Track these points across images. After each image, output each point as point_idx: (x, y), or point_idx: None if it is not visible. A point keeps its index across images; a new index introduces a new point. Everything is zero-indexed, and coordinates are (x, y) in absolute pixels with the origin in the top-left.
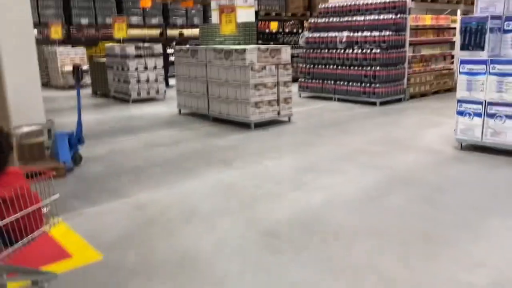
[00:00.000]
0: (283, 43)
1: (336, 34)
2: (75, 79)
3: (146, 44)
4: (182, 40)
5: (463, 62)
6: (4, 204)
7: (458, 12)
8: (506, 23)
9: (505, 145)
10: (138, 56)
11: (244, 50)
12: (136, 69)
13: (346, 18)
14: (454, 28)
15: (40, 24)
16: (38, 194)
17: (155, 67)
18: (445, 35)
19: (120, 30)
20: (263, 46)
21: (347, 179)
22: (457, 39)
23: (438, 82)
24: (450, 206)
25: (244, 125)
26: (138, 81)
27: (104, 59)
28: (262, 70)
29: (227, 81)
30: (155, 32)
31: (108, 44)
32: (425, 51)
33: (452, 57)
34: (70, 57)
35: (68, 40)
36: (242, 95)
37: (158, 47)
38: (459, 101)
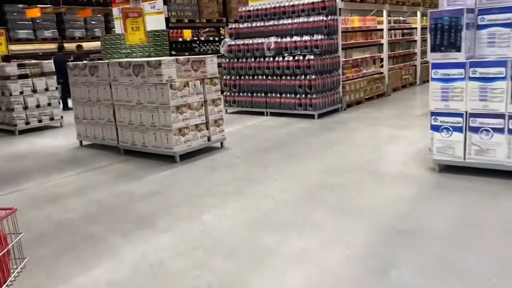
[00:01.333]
0: (199, 53)
1: (262, 40)
2: None
3: (33, 61)
4: (80, 54)
5: (435, 66)
6: None
7: (418, 13)
8: (479, 17)
9: (494, 164)
10: (23, 76)
11: (159, 63)
12: (21, 92)
13: (271, 22)
14: (381, 30)
15: None
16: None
17: (46, 89)
18: (373, 37)
19: None
20: (182, 58)
21: (327, 239)
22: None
23: (371, 88)
24: (486, 273)
25: (166, 158)
26: (25, 107)
27: None
28: (184, 87)
29: (139, 104)
30: (50, 46)
31: None
32: (357, 55)
33: (381, 60)
34: None
35: None
36: (161, 121)
37: (49, 64)
38: (433, 113)
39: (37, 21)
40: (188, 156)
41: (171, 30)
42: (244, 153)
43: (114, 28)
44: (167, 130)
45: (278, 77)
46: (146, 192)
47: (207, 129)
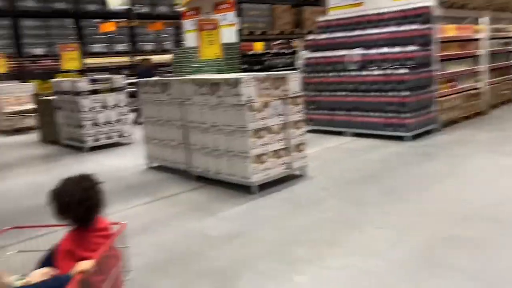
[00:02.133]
0: (270, 67)
1: (344, 52)
2: None
3: (104, 76)
4: (149, 68)
5: None
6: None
7: (482, 20)
8: None
9: None
10: (94, 92)
11: (237, 81)
12: (92, 109)
13: (356, 33)
14: (477, 40)
15: None
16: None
17: (116, 105)
18: (470, 48)
19: (71, 61)
20: (261, 75)
21: None
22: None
23: (467, 105)
24: None
25: (242, 188)
26: (95, 123)
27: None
28: (264, 108)
29: (214, 126)
30: (122, 60)
31: (55, 79)
32: (452, 68)
33: (477, 74)
34: (14, 95)
35: (20, 74)
36: (238, 146)
37: (119, 80)
38: None
39: (111, 35)
40: (266, 186)
41: (242, 43)
42: (330, 184)
43: (184, 41)
44: (244, 157)
45: (363, 93)
46: (221, 233)
47: (288, 155)
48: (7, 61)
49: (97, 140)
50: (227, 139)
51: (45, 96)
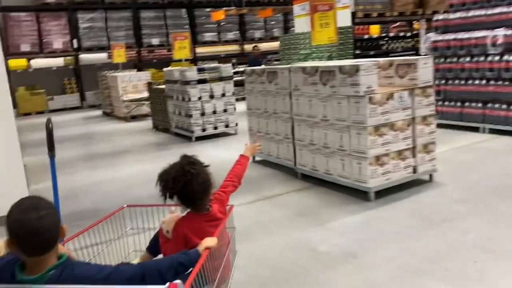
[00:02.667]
0: (387, 52)
1: (484, 33)
2: (47, 144)
3: (212, 65)
4: (257, 56)
5: None
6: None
7: None
8: None
9: None
10: (202, 81)
11: (356, 69)
12: (200, 98)
13: (498, 10)
14: None
15: (109, 48)
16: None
17: (223, 94)
18: None
19: (181, 49)
20: (384, 60)
21: None
22: None
23: None
24: None
25: (356, 194)
26: (203, 113)
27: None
28: (387, 100)
29: (325, 120)
30: (231, 48)
31: (166, 68)
32: None
33: None
34: (132, 83)
35: (139, 63)
36: (353, 144)
37: (227, 68)
38: None
39: (221, 23)
40: (386, 192)
41: (356, 27)
42: (468, 195)
43: (293, 27)
44: (361, 157)
45: (507, 82)
46: (332, 249)
47: (413, 156)
48: (127, 51)
49: (204, 130)
50: (341, 135)
51: (158, 85)
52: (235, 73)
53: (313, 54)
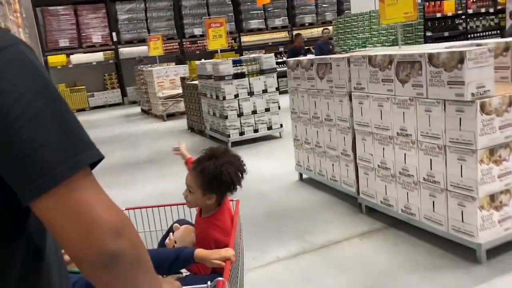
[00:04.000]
0: (465, 34)
1: None
2: None
3: (251, 56)
4: (298, 47)
5: None
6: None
7: None
8: None
9: None
10: (239, 76)
11: (459, 58)
12: (236, 96)
13: None
14: None
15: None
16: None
17: (265, 90)
18: None
19: (217, 39)
20: (495, 43)
21: None
22: None
23: None
24: None
25: (455, 248)
26: (240, 114)
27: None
28: (508, 108)
29: (405, 135)
30: (279, 35)
31: (199, 62)
32: None
33: None
34: (169, 78)
35: (181, 55)
36: (452, 175)
37: (268, 59)
38: None
39: (268, 9)
40: (505, 250)
41: (427, 3)
42: None
43: (348, 10)
44: (464, 196)
45: None
46: None
47: None
48: (167, 43)
49: (241, 133)
50: (430, 159)
51: (192, 80)
52: (282, 63)
53: (372, 39)
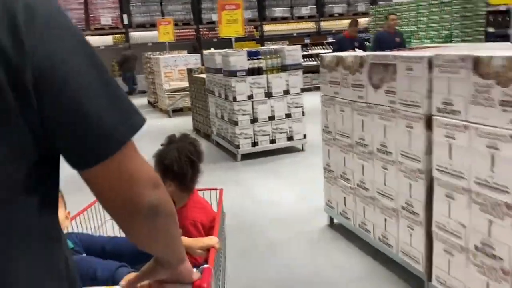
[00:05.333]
0: None
1: None
2: None
3: (271, 47)
4: (352, 36)
5: None
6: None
7: None
8: None
9: None
10: (255, 71)
11: None
12: (250, 96)
13: None
14: None
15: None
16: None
17: (286, 91)
18: None
19: (231, 24)
20: None
21: None
22: None
23: None
24: None
25: None
26: (254, 120)
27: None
28: None
29: None
30: (305, 26)
31: (207, 51)
32: None
33: None
34: (178, 68)
35: (197, 42)
36: None
37: (293, 52)
38: None
39: None
40: None
41: None
42: None
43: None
44: None
45: None
46: None
47: None
48: (183, 29)
49: (254, 144)
50: None
51: (200, 73)
52: (308, 56)
53: (419, 33)
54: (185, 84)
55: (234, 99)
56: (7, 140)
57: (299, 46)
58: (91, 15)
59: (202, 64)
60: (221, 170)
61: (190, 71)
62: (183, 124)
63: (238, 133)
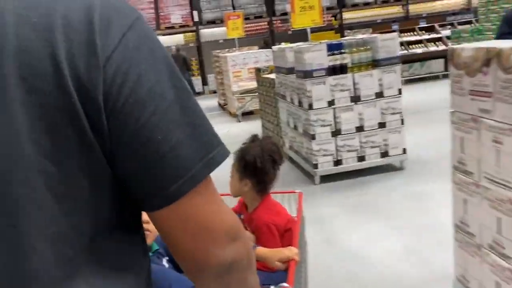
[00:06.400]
0: None
1: None
2: None
3: (358, 37)
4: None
5: None
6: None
7: None
8: None
9: None
10: (336, 70)
11: None
12: (331, 103)
13: None
14: None
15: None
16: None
17: (379, 94)
18: None
19: (306, 12)
20: None
21: None
22: None
23: None
24: None
25: None
26: (336, 132)
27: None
28: None
29: None
30: (391, 11)
31: (276, 47)
32: None
33: None
34: (248, 67)
35: (270, 36)
36: None
37: (388, 42)
38: None
39: None
40: None
41: None
42: None
43: None
44: None
45: None
46: None
47: None
48: (255, 23)
49: (338, 162)
50: None
51: (270, 73)
52: (404, 45)
53: None
54: (255, 84)
55: (310, 106)
56: (86, 171)
57: (395, 34)
58: (161, 14)
59: None
60: (287, 201)
61: (258, 70)
62: (252, 131)
63: (315, 149)
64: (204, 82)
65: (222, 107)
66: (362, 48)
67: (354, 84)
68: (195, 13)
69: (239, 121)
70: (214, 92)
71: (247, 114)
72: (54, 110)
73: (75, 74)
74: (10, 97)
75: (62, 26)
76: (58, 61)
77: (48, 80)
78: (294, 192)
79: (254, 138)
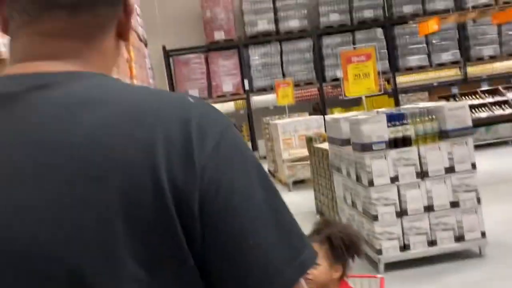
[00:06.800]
0: None
1: None
2: None
3: (420, 105)
4: None
5: None
6: None
7: None
8: None
9: None
10: (399, 143)
11: None
12: (395, 179)
13: None
14: None
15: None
16: None
17: (450, 169)
18: None
19: (360, 81)
20: None
21: None
22: None
23: None
24: None
25: None
26: (402, 212)
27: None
28: None
29: None
30: (447, 73)
31: (329, 117)
32: None
33: None
34: (298, 134)
35: (320, 102)
36: None
37: (458, 112)
38: None
39: (433, 41)
40: None
41: None
42: None
43: None
44: None
45: None
46: None
47: None
48: (303, 89)
49: (404, 247)
50: None
51: (323, 142)
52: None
53: None
54: (306, 152)
55: (371, 182)
56: (179, 280)
57: (465, 102)
58: (213, 83)
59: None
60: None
61: (310, 139)
62: (305, 202)
63: (378, 231)
64: (254, 148)
65: (273, 174)
66: (426, 118)
67: (420, 158)
68: (246, 81)
69: (290, 190)
70: (264, 157)
71: (298, 183)
72: (151, 222)
73: (173, 185)
74: (108, 207)
75: (163, 139)
76: (158, 174)
77: (148, 193)
78: (375, 277)
79: (329, 221)
